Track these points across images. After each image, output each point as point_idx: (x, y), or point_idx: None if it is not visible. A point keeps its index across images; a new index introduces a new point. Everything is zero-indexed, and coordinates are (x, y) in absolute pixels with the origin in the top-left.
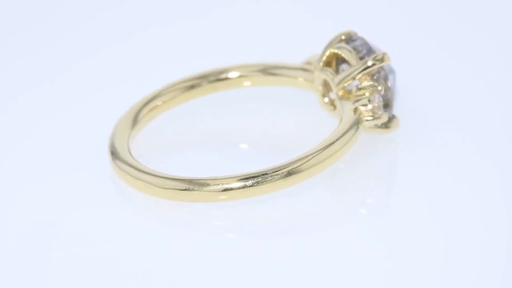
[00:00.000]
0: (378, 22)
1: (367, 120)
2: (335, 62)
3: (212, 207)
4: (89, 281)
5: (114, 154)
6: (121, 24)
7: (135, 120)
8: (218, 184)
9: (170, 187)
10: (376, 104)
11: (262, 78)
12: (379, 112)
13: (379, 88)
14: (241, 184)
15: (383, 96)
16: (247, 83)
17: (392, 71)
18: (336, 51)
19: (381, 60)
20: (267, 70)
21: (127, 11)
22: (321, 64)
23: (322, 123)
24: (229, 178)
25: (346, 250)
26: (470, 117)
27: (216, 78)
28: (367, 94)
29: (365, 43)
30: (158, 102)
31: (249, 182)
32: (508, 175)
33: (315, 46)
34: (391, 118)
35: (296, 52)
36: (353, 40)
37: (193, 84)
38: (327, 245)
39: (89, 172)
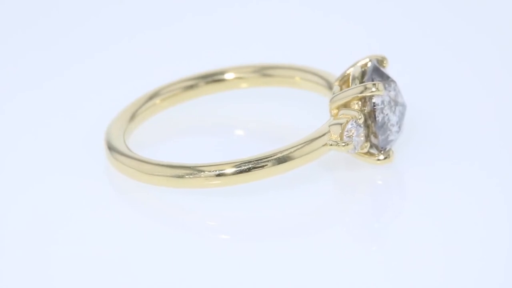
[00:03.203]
0: (378, 22)
1: (330, 145)
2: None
3: (210, 206)
4: (88, 280)
5: (109, 145)
6: (121, 24)
7: (133, 116)
8: (212, 170)
9: (165, 173)
10: (348, 133)
11: (258, 79)
12: (347, 140)
13: (359, 117)
14: (235, 169)
15: (364, 127)
16: (244, 84)
17: (395, 105)
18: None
19: (371, 89)
20: (263, 71)
21: (127, 11)
22: (338, 81)
23: (322, 123)
24: (223, 164)
25: (345, 250)
26: (470, 117)
27: (212, 79)
28: (343, 120)
29: (372, 71)
30: (156, 100)
31: (243, 168)
32: (508, 175)
33: (315, 47)
34: (383, 152)
35: (296, 52)
36: (369, 65)
37: (192, 85)
38: (327, 245)
39: (88, 172)
